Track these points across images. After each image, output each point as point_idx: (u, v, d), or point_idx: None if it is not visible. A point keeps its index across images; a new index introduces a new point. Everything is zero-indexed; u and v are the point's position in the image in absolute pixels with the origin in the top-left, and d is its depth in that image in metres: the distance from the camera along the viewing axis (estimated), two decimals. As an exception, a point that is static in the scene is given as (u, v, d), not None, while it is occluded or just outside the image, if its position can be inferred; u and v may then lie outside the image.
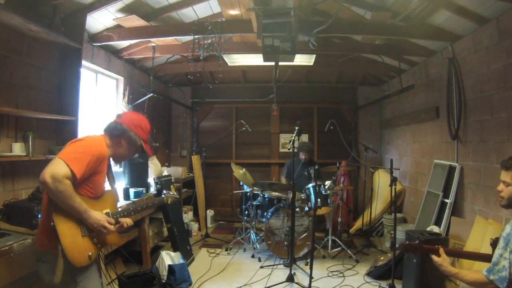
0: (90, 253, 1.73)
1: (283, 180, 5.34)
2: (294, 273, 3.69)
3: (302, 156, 5.06)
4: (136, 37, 3.98)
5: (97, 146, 1.80)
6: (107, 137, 1.92)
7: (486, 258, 1.75)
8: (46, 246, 1.71)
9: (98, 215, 1.74)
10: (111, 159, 2.01)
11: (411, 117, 5.15)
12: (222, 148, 6.63)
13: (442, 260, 1.83)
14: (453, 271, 1.79)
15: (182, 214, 4.91)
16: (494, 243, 1.71)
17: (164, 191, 2.63)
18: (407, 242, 2.01)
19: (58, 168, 1.59)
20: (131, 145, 1.96)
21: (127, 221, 1.98)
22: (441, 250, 1.85)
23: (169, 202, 2.49)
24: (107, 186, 2.05)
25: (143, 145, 2.00)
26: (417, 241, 1.98)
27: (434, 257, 1.86)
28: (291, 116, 6.63)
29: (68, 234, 1.65)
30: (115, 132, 1.93)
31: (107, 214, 1.85)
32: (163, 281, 3.23)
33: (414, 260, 3.10)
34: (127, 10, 3.58)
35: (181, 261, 3.59)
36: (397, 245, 3.46)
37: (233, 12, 3.67)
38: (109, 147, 1.90)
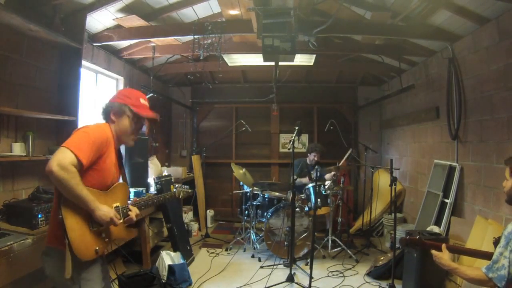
0: (97, 248, 1.69)
1: (304, 180, 4.97)
2: (294, 273, 3.69)
3: (312, 156, 5.04)
4: (136, 37, 3.98)
5: (99, 130, 1.77)
6: (107, 123, 1.89)
7: (488, 256, 1.74)
8: (53, 242, 1.69)
9: (107, 208, 1.69)
10: (120, 148, 1.95)
11: (411, 117, 5.15)
12: (222, 148, 6.64)
13: (442, 254, 1.81)
14: (452, 265, 1.77)
15: (182, 214, 4.90)
16: (496, 242, 1.70)
17: (176, 185, 2.56)
18: (408, 237, 1.99)
19: (63, 155, 1.55)
20: (120, 116, 1.87)
21: (135, 212, 1.89)
22: (443, 246, 1.85)
23: (181, 197, 2.44)
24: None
25: (134, 111, 1.87)
26: (417, 236, 1.96)
27: (434, 252, 1.84)
28: (291, 116, 6.63)
29: (76, 227, 1.62)
30: (104, 112, 1.90)
31: (116, 208, 1.80)
32: (163, 281, 3.22)
33: (415, 255, 3.10)
34: (127, 10, 3.59)
35: (181, 261, 3.59)
36: (397, 244, 3.47)
37: (233, 12, 3.67)
38: (112, 133, 1.85)
